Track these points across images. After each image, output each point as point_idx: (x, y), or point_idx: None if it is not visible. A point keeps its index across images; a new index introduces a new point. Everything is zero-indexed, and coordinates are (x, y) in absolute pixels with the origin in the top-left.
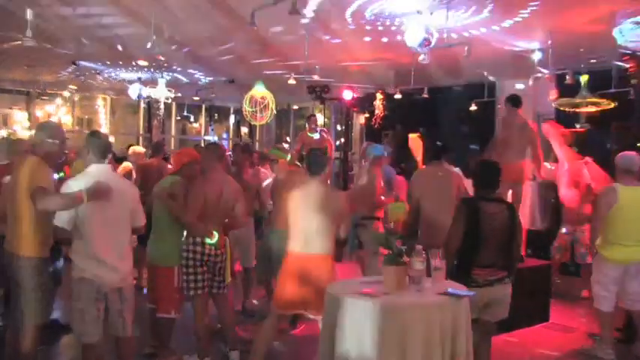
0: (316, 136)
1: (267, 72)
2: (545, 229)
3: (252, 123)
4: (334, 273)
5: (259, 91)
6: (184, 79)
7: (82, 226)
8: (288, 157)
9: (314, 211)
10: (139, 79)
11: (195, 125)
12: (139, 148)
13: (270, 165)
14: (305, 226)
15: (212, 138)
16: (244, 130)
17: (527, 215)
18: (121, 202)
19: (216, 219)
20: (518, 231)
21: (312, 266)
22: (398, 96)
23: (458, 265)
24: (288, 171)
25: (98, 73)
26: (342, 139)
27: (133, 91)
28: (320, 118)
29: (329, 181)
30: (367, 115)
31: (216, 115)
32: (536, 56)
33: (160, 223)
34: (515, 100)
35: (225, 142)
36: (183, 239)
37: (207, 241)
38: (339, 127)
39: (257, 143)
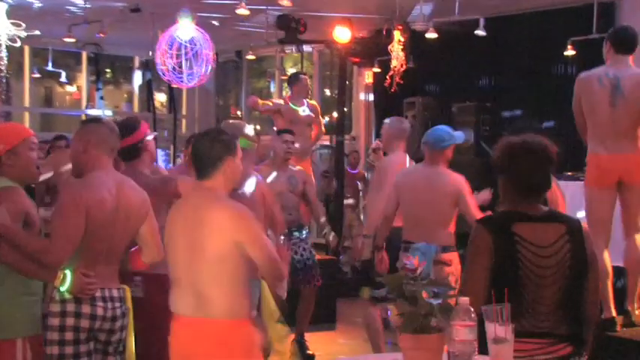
0: (304, 110)
1: None
2: None
3: (174, 86)
4: (253, 349)
5: (186, 29)
6: (41, 5)
7: None
8: (254, 145)
9: (199, 244)
10: None
11: (71, 89)
12: None
13: None
14: (188, 269)
15: (102, 112)
16: (160, 98)
17: None
18: None
19: (102, 253)
20: (597, 272)
21: (208, 342)
22: (432, 35)
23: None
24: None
25: None
26: (335, 114)
27: None
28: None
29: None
30: (377, 69)
31: (108, 71)
32: None
33: None
34: (624, 39)
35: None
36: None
37: (62, 289)
38: (327, 92)
39: (184, 121)
